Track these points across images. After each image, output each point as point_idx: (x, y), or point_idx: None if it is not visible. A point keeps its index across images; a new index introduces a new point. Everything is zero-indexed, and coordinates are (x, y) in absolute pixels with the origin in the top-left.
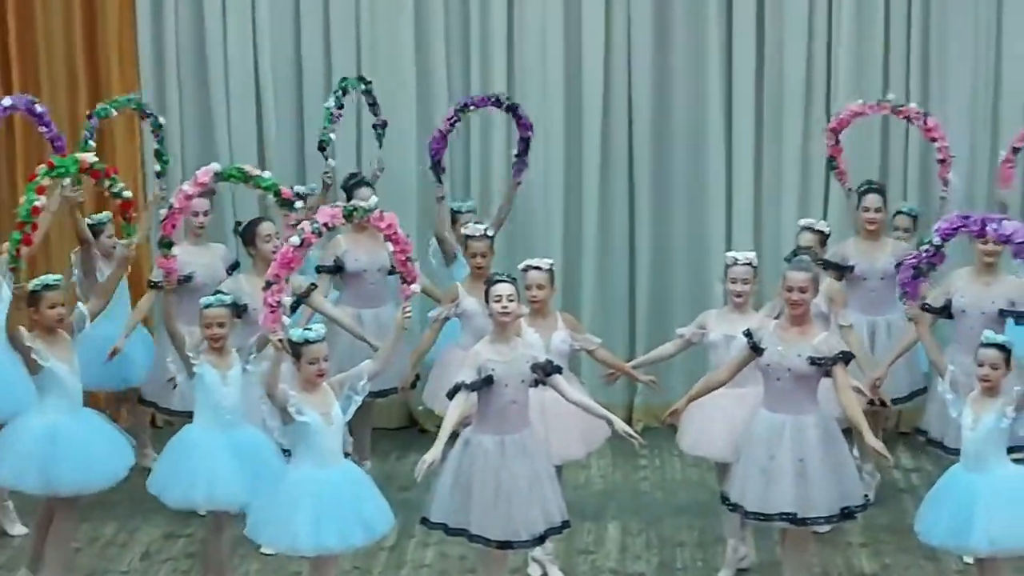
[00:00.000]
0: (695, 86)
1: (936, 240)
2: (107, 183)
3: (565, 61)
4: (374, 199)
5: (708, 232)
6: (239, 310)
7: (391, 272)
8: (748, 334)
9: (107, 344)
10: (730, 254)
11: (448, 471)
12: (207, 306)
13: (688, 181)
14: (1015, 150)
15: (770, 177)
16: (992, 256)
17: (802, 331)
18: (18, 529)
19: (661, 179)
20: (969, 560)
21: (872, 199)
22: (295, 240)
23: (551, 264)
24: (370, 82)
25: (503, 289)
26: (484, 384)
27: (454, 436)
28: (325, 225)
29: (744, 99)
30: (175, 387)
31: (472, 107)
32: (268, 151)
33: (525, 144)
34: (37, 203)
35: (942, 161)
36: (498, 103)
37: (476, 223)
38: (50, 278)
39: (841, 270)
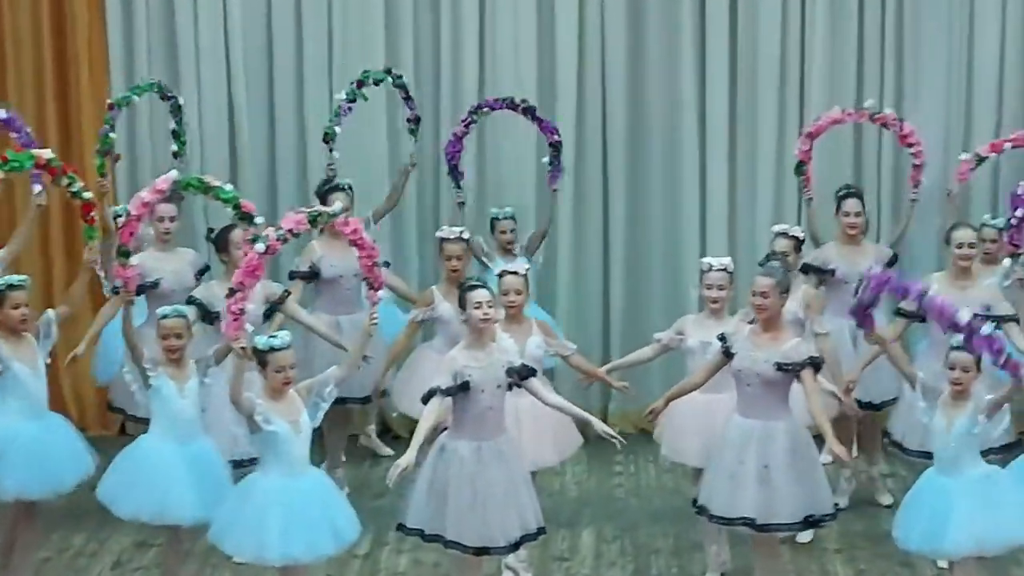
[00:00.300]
0: (669, 90)
1: (870, 285)
2: (65, 181)
3: (538, 67)
4: (339, 204)
5: (682, 237)
6: (211, 317)
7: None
8: (722, 338)
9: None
10: (705, 260)
11: (423, 477)
12: (164, 317)
13: (662, 186)
14: (979, 158)
15: (744, 182)
16: (967, 260)
17: (773, 336)
18: None
19: (635, 184)
20: (943, 564)
21: (851, 203)
22: (260, 247)
23: (527, 269)
24: (400, 76)
25: (482, 295)
26: (460, 390)
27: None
28: (290, 231)
29: (718, 103)
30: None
31: (487, 110)
32: (240, 152)
33: (555, 150)
34: None
35: (917, 166)
36: (514, 106)
37: (511, 231)
38: (15, 278)
39: (822, 274)
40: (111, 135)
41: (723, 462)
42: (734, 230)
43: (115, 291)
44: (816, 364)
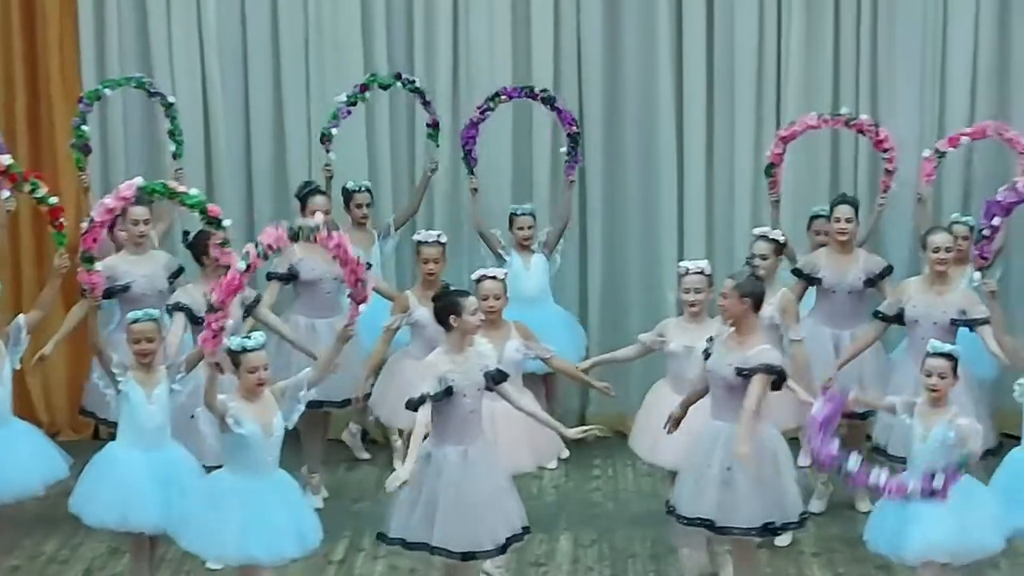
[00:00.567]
0: (646, 92)
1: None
2: (28, 188)
3: (513, 67)
4: (319, 216)
5: (660, 239)
6: (199, 321)
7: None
8: (710, 339)
9: None
10: (683, 263)
11: (409, 487)
12: (134, 321)
13: (639, 188)
14: (939, 153)
15: (722, 183)
16: (943, 264)
17: (742, 340)
18: None
19: (612, 185)
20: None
21: (842, 210)
22: (241, 265)
23: (505, 274)
24: (412, 80)
25: (472, 303)
26: (445, 395)
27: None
28: (270, 247)
29: (695, 105)
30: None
31: (504, 97)
32: (215, 150)
33: (572, 140)
34: None
35: (889, 171)
36: (532, 95)
37: (529, 228)
38: None
39: (810, 281)
40: (83, 128)
41: (695, 463)
42: (712, 232)
43: (84, 294)
44: (771, 371)
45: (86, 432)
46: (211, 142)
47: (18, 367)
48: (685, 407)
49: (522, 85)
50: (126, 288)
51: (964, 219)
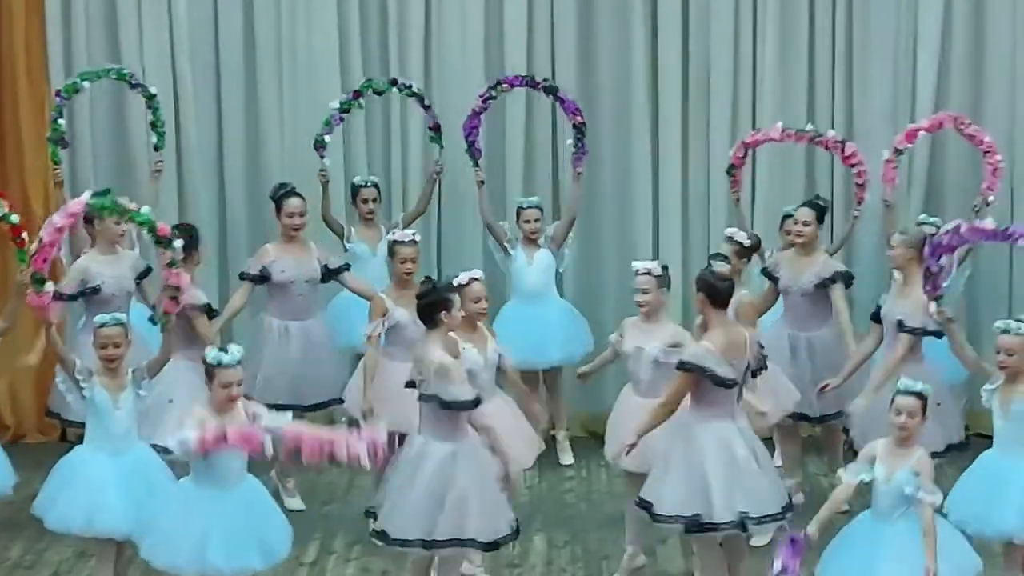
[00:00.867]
0: (620, 90)
1: None
2: None
3: (485, 79)
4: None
5: (636, 239)
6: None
7: (326, 278)
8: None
9: None
10: (634, 264)
11: (418, 487)
12: (101, 325)
13: (615, 187)
14: (897, 152)
15: (697, 183)
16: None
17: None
18: None
19: (587, 183)
20: None
21: (802, 212)
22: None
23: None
24: (409, 85)
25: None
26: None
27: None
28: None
29: (670, 102)
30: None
31: (506, 86)
32: (187, 150)
33: (578, 131)
34: None
35: (860, 185)
36: (534, 84)
37: (536, 220)
38: None
39: (771, 280)
40: (60, 121)
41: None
42: (687, 231)
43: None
44: (681, 367)
45: (53, 435)
46: (182, 141)
47: None
48: (639, 436)
49: (525, 75)
50: (96, 290)
51: (932, 220)
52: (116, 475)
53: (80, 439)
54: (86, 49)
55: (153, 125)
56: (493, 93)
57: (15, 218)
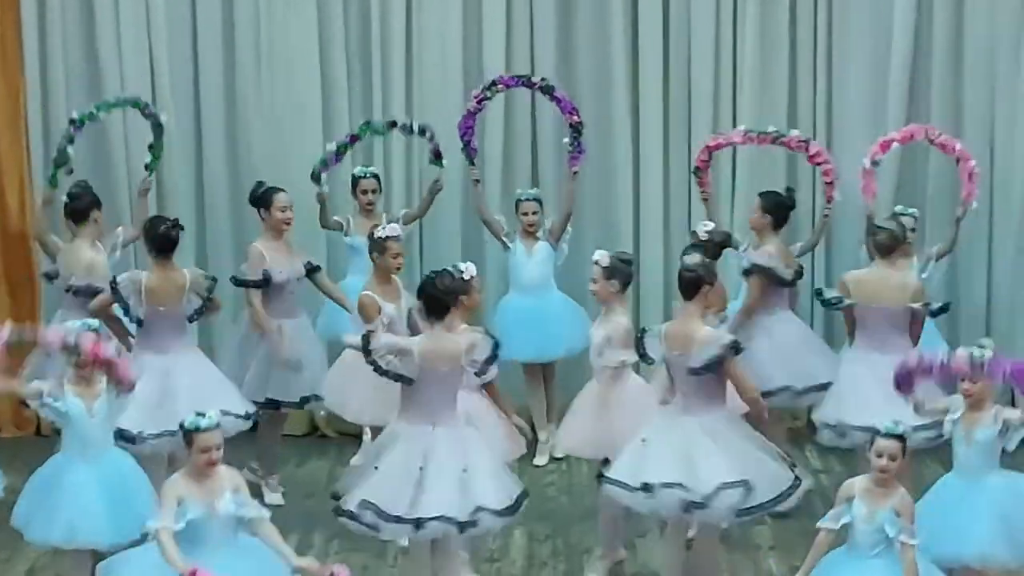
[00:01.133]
0: (602, 93)
1: None
2: None
3: (464, 88)
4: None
5: (617, 237)
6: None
7: (310, 273)
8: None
9: None
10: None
11: (395, 464)
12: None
13: (596, 187)
14: (874, 163)
15: (678, 185)
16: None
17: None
18: None
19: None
20: None
21: (756, 201)
22: None
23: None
24: (407, 124)
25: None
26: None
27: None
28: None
29: (651, 99)
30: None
31: (501, 87)
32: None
33: (575, 131)
34: None
35: (829, 183)
36: (531, 84)
37: (534, 214)
38: None
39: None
40: (69, 150)
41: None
42: (668, 228)
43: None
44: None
45: (29, 429)
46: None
47: None
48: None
49: (520, 75)
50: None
51: (910, 211)
52: (95, 484)
53: (57, 432)
54: (61, 45)
55: (151, 148)
56: (488, 94)
57: None
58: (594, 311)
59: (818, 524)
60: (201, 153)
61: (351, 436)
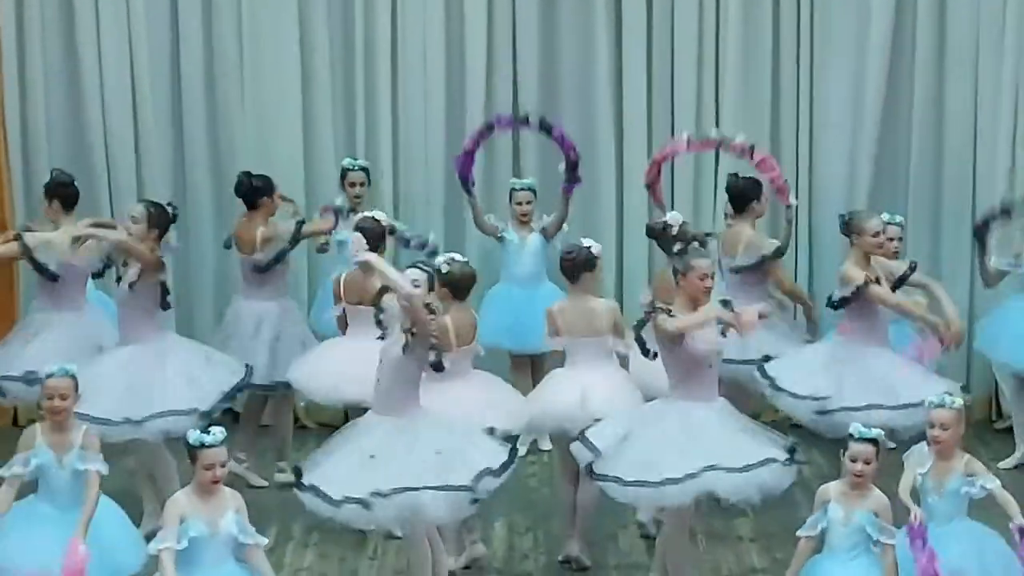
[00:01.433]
0: (585, 93)
1: None
2: None
3: (447, 88)
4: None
5: (599, 237)
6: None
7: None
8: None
9: None
10: None
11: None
12: (49, 376)
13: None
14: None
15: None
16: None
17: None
18: None
19: (552, 188)
20: None
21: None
22: None
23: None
24: (403, 234)
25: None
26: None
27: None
28: None
29: (634, 100)
30: None
31: (499, 126)
32: (144, 144)
33: (568, 165)
34: None
35: (779, 190)
36: (527, 122)
37: (528, 203)
38: None
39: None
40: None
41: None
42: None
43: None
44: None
45: (4, 420)
46: (140, 132)
47: None
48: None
49: (517, 115)
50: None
51: (897, 220)
52: (70, 527)
53: (32, 421)
54: (40, 40)
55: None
56: (485, 135)
57: None
58: None
59: (798, 533)
60: (182, 150)
61: (331, 427)
